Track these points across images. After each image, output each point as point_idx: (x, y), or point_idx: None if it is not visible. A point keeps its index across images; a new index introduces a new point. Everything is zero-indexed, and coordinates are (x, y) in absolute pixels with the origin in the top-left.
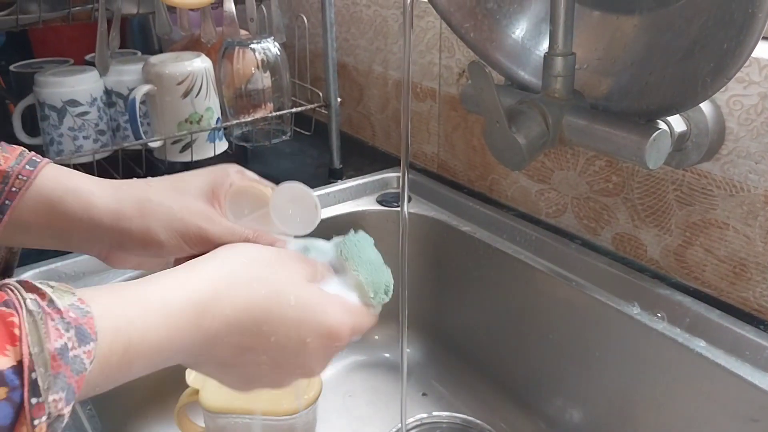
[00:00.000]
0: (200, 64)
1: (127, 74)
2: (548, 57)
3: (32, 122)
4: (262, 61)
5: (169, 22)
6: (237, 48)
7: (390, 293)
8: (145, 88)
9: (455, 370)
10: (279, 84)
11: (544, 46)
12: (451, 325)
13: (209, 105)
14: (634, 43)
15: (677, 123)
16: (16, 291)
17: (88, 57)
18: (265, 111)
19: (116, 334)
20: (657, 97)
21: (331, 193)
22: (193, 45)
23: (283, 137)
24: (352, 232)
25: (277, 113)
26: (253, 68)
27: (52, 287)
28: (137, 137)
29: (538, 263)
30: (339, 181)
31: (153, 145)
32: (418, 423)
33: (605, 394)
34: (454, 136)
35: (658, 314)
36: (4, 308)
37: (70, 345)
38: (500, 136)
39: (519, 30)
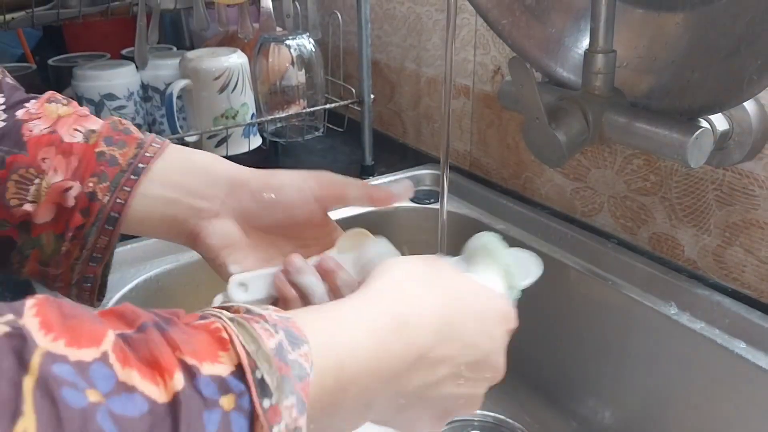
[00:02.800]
0: (237, 59)
1: (163, 69)
2: (589, 54)
3: None
4: (297, 57)
5: (206, 17)
6: (272, 44)
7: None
8: (183, 82)
9: None
10: (313, 80)
11: (584, 43)
12: None
13: (245, 100)
14: (677, 41)
15: (719, 121)
16: (208, 310)
17: (124, 51)
18: (299, 107)
19: (326, 349)
20: (699, 96)
21: None
22: (227, 41)
23: (316, 133)
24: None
25: (311, 109)
26: (287, 64)
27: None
28: (174, 131)
29: (573, 262)
30: (371, 177)
31: (189, 139)
32: (450, 420)
33: (639, 394)
34: (488, 134)
35: (671, 303)
36: (202, 321)
37: (285, 345)
38: (540, 133)
39: (558, 26)
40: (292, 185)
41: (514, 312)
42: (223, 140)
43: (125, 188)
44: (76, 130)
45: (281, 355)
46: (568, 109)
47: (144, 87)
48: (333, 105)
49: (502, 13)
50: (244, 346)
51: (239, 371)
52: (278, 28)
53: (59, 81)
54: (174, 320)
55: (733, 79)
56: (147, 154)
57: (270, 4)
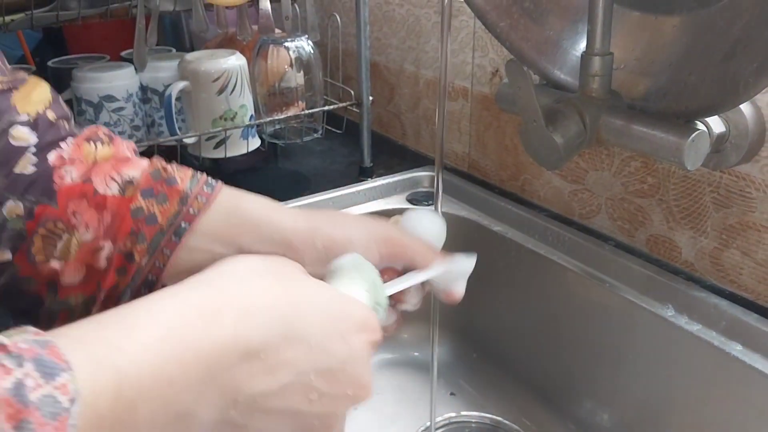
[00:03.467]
0: (235, 61)
1: (162, 71)
2: (585, 56)
3: None
4: (296, 59)
5: (205, 19)
6: (271, 46)
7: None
8: (181, 84)
9: (484, 371)
10: (311, 82)
11: (581, 45)
12: (481, 325)
13: (243, 102)
14: (673, 43)
15: (716, 124)
16: None
17: (123, 53)
18: (298, 109)
19: (98, 364)
20: (696, 98)
21: (361, 192)
22: (227, 42)
23: (315, 135)
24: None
25: (309, 111)
26: (286, 66)
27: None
28: (172, 133)
29: (570, 264)
30: (369, 179)
31: (188, 141)
32: (447, 422)
33: (637, 396)
34: (486, 136)
35: (668, 306)
36: None
37: (28, 383)
38: (537, 136)
39: (555, 29)
40: (359, 244)
41: (376, 321)
42: (222, 142)
43: (165, 251)
44: (113, 179)
45: (19, 396)
46: (565, 112)
47: (143, 88)
48: (332, 107)
49: (499, 16)
50: None
51: None
52: (277, 30)
53: (59, 83)
54: None
55: (730, 82)
56: (191, 211)
57: (269, 6)
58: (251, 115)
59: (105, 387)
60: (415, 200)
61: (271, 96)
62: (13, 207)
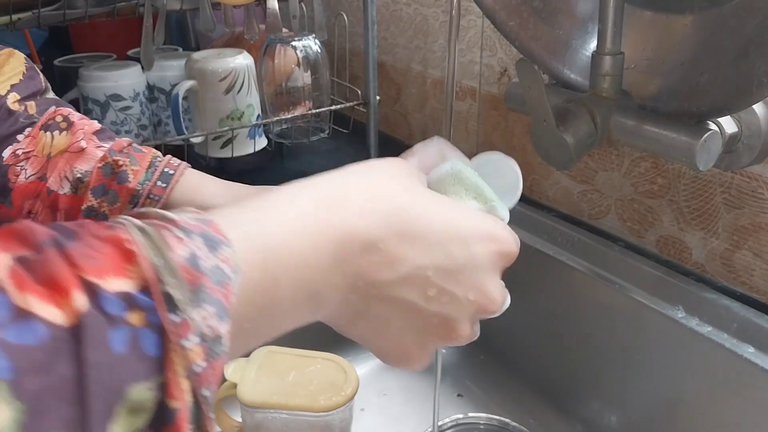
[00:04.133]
0: (242, 60)
1: (169, 70)
2: (596, 56)
3: None
4: (303, 58)
5: (213, 18)
6: (278, 45)
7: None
8: (188, 83)
9: (491, 372)
10: (319, 82)
11: (592, 45)
12: (488, 326)
13: (250, 102)
14: (685, 43)
15: (728, 124)
16: (117, 218)
17: (130, 52)
18: (304, 108)
19: (250, 241)
20: (708, 98)
21: None
22: (234, 42)
23: (321, 135)
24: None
25: (316, 111)
26: (293, 65)
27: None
28: (179, 132)
29: (579, 265)
30: None
31: (194, 140)
32: (455, 423)
33: (645, 398)
34: (494, 136)
35: (678, 307)
36: (109, 231)
37: (199, 253)
38: (547, 135)
39: (565, 28)
40: None
41: (507, 233)
42: (229, 141)
43: None
44: (66, 177)
45: (194, 264)
46: (575, 112)
47: (150, 88)
48: (338, 106)
49: (509, 15)
50: (149, 259)
51: (147, 284)
52: (284, 29)
53: (65, 81)
54: (78, 233)
55: (743, 82)
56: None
57: (276, 5)
58: (258, 115)
59: (255, 262)
60: None
61: (278, 95)
62: None
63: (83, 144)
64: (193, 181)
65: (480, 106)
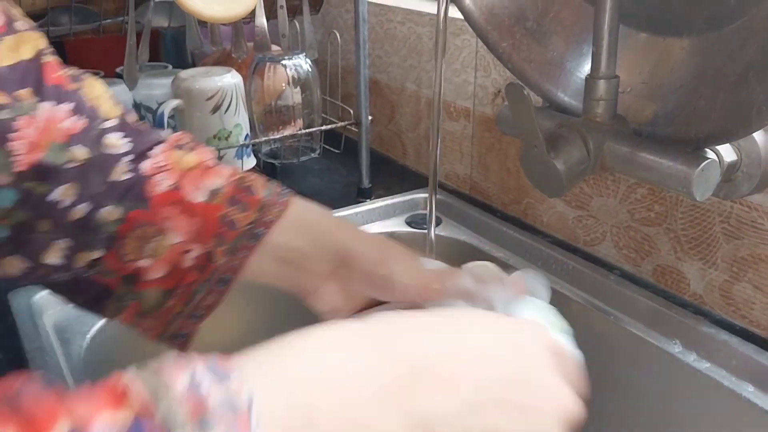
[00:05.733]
0: (230, 79)
1: (156, 88)
2: (590, 79)
3: None
4: (293, 77)
5: (199, 36)
6: (268, 64)
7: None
8: (174, 103)
9: None
10: (309, 100)
11: (586, 68)
12: None
13: (238, 121)
14: (682, 66)
15: (727, 152)
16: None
17: (118, 69)
18: (295, 128)
19: (269, 382)
20: (706, 124)
21: (359, 213)
22: (225, 59)
23: (312, 155)
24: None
25: (307, 130)
26: (283, 84)
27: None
28: None
29: (574, 294)
30: (367, 200)
31: None
32: None
33: None
34: (488, 158)
35: (675, 341)
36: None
37: (199, 379)
38: (538, 161)
39: (559, 50)
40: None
41: (545, 333)
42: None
43: (243, 253)
44: (201, 187)
45: (194, 389)
46: (567, 137)
47: (136, 106)
48: (330, 126)
49: (501, 36)
50: (142, 388)
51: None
52: (274, 47)
53: None
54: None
55: (742, 108)
56: (267, 219)
57: (265, 24)
58: (246, 135)
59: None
60: (414, 223)
61: (267, 114)
62: (111, 212)
63: (211, 163)
64: (301, 202)
65: (474, 127)
